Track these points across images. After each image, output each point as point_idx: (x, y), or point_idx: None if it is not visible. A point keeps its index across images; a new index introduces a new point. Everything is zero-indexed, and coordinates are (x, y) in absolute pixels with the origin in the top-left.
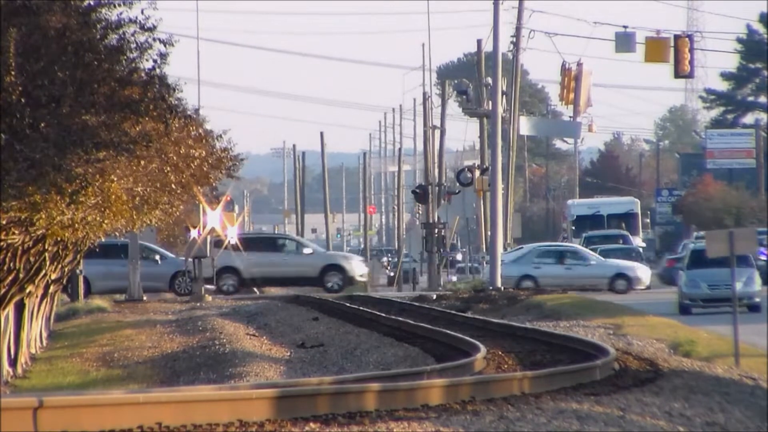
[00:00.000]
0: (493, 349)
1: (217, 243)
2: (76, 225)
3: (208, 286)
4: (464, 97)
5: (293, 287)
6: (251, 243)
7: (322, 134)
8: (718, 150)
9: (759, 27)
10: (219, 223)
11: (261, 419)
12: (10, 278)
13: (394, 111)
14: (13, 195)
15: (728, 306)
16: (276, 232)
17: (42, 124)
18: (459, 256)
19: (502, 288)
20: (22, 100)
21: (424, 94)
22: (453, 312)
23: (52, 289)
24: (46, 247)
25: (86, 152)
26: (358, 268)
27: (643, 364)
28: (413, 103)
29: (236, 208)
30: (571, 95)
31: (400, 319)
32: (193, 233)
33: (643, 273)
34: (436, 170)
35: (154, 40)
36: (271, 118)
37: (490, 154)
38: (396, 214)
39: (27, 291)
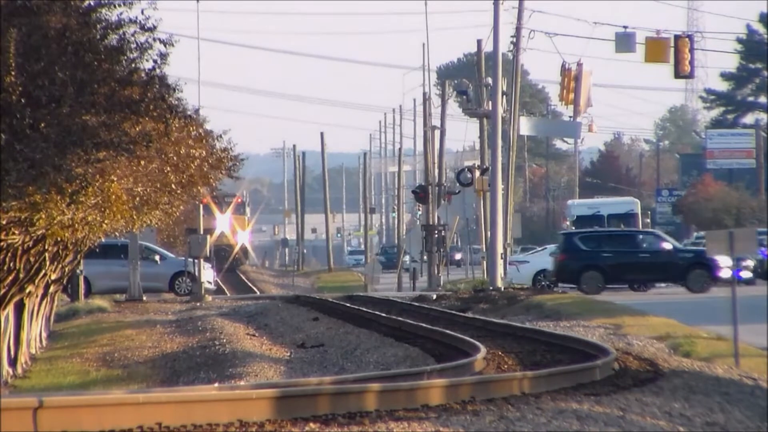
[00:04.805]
0: (493, 350)
1: (218, 251)
2: (76, 225)
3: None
4: (464, 97)
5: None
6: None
7: (322, 134)
8: (718, 150)
9: (759, 27)
10: (228, 226)
11: (261, 419)
12: (10, 278)
13: (395, 111)
14: (13, 195)
15: None
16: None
17: (42, 124)
18: (458, 256)
19: (503, 288)
20: (22, 100)
21: (424, 94)
22: (453, 312)
23: (52, 289)
24: (46, 247)
25: (86, 152)
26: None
27: (643, 364)
28: (413, 103)
29: (248, 210)
30: (571, 95)
31: (400, 319)
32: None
33: None
34: (436, 170)
35: (154, 40)
36: (271, 118)
37: (490, 154)
38: (396, 214)
39: (27, 291)
